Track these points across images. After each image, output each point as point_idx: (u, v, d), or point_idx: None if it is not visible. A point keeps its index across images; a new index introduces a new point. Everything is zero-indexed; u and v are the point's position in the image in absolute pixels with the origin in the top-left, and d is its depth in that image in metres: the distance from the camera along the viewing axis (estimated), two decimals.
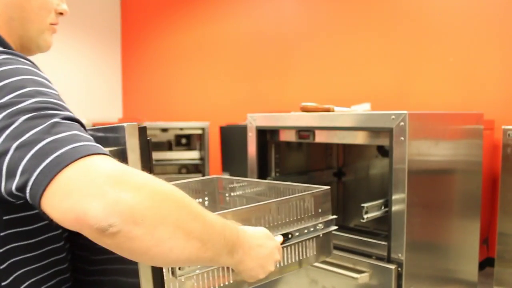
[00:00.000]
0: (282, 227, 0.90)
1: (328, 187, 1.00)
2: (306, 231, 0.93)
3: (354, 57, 3.37)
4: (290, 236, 0.90)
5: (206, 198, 1.24)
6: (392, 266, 1.26)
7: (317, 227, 0.96)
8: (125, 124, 0.68)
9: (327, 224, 0.98)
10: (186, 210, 0.60)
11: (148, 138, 0.71)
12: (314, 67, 3.63)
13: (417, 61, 3.04)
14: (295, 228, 0.92)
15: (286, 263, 0.90)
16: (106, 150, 0.63)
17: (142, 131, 0.70)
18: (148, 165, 0.70)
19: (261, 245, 0.75)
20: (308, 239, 0.94)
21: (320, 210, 0.98)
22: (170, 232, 0.57)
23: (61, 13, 0.95)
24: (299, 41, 3.74)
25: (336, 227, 0.99)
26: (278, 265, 0.86)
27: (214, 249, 0.63)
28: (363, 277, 1.28)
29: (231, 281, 0.81)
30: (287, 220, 0.91)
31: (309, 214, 0.96)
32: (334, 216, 0.99)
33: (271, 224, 0.88)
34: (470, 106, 2.76)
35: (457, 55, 2.85)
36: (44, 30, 0.94)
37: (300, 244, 0.93)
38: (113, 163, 0.59)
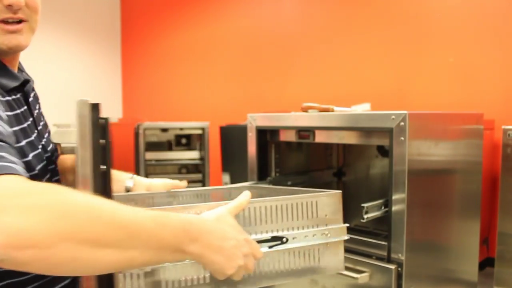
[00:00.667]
0: (279, 229, 0.84)
1: (339, 191, 0.95)
2: (306, 236, 0.86)
3: (354, 57, 3.37)
4: (284, 240, 0.83)
5: None
6: (392, 266, 1.26)
7: (323, 234, 0.88)
8: (79, 100, 0.68)
9: (335, 232, 0.91)
10: (93, 221, 0.57)
11: (104, 117, 0.69)
12: (314, 67, 3.63)
13: (417, 61, 3.04)
14: (292, 232, 0.85)
15: (280, 269, 0.84)
16: (20, 168, 0.62)
17: (95, 108, 0.68)
18: (98, 146, 0.68)
19: (224, 237, 0.71)
20: (310, 246, 0.87)
21: (326, 216, 0.90)
22: (73, 247, 0.55)
23: (10, 5, 0.83)
24: (299, 41, 3.74)
25: (347, 237, 0.92)
26: (270, 268, 0.83)
27: (146, 251, 0.62)
28: (363, 277, 1.28)
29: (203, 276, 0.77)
30: (286, 221, 0.85)
31: (314, 217, 0.88)
32: (346, 224, 0.92)
33: (264, 224, 0.83)
34: (470, 106, 2.76)
35: (457, 55, 2.85)
36: None
37: (297, 251, 0.86)
38: (14, 184, 0.57)
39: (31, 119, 0.90)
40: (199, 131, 3.97)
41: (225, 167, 3.49)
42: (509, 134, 1.87)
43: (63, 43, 5.27)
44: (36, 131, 0.90)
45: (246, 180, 1.64)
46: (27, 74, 1.00)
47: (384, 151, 1.93)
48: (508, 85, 2.65)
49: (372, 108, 2.71)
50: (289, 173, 1.80)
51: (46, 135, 0.96)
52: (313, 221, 0.88)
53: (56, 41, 5.22)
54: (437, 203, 1.44)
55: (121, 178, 1.11)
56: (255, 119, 1.66)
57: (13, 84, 0.86)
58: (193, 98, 4.64)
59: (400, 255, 1.26)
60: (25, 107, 0.90)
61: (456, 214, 1.56)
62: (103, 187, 0.70)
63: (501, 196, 1.90)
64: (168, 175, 3.80)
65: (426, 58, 3.00)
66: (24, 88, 0.92)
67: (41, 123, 0.96)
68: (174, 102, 4.88)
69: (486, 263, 2.48)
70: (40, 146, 0.88)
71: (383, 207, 1.36)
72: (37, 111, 0.97)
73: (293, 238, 0.85)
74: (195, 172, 4.04)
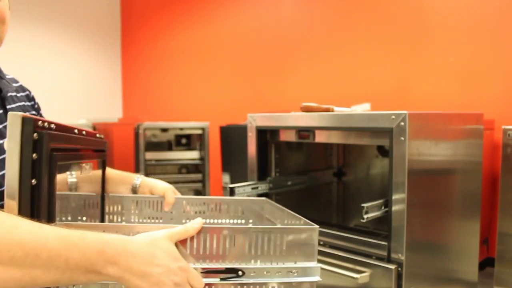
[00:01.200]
0: (238, 261, 0.76)
1: (317, 227, 0.81)
2: (268, 272, 0.77)
3: (354, 57, 3.37)
4: (240, 273, 0.76)
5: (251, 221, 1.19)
6: (392, 266, 1.26)
7: (289, 272, 0.78)
8: (10, 113, 0.68)
9: (304, 271, 0.79)
10: None
11: (40, 131, 0.68)
12: (314, 67, 3.63)
13: (417, 61, 3.04)
14: (252, 266, 0.77)
15: None
16: None
17: (27, 122, 0.67)
18: (29, 160, 0.68)
19: (151, 263, 0.66)
20: (270, 283, 0.77)
21: (296, 252, 0.79)
22: None
23: None
24: (299, 41, 3.74)
25: (319, 279, 0.80)
26: None
27: (50, 271, 0.61)
28: (363, 277, 1.28)
29: None
30: (247, 253, 0.77)
31: (281, 253, 0.78)
32: (319, 265, 0.81)
33: (219, 253, 0.75)
34: (470, 106, 2.76)
35: (457, 55, 2.85)
36: None
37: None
38: None
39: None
40: (199, 131, 3.97)
41: (225, 167, 3.49)
42: (509, 134, 1.87)
43: (63, 43, 5.27)
44: None
45: (246, 180, 1.63)
46: (7, 81, 1.01)
47: (384, 151, 1.93)
48: (508, 85, 2.65)
49: (372, 108, 2.71)
50: (289, 173, 1.80)
51: None
52: (279, 256, 0.78)
53: (56, 41, 5.22)
54: (437, 203, 1.44)
55: (128, 178, 1.16)
56: (255, 119, 1.66)
57: None
58: (193, 98, 4.64)
59: (400, 255, 1.26)
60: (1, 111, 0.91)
61: (456, 214, 1.56)
62: (35, 201, 0.69)
63: (501, 196, 1.89)
64: (168, 175, 3.80)
65: (426, 58, 2.99)
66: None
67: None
68: (174, 102, 4.88)
69: (486, 263, 2.48)
70: None
71: (383, 207, 1.36)
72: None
73: (252, 273, 0.76)
74: (195, 172, 4.04)
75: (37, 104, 1.10)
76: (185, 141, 4.09)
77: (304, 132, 1.59)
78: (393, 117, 1.26)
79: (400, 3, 3.15)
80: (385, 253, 1.30)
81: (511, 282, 1.87)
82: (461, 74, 2.84)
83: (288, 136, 1.67)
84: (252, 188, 1.57)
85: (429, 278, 1.42)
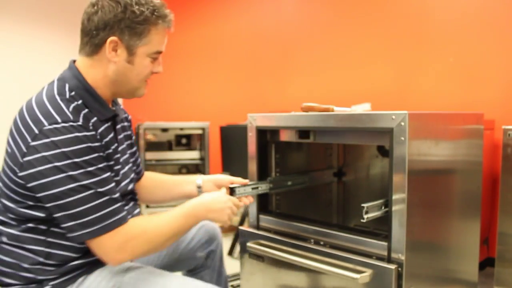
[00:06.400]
0: None
1: None
2: None
3: (354, 57, 3.37)
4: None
5: None
6: (392, 266, 1.26)
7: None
8: None
9: None
10: (164, 234, 1.19)
11: None
12: (314, 67, 3.63)
13: (417, 61, 3.04)
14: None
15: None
16: (124, 212, 1.16)
17: None
18: None
19: (212, 210, 1.27)
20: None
21: None
22: (159, 240, 1.18)
23: (156, 72, 1.27)
24: (299, 41, 3.74)
25: None
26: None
27: (185, 229, 1.24)
28: (363, 277, 1.28)
29: None
30: None
31: None
32: None
33: None
34: (470, 106, 2.76)
35: (457, 55, 2.85)
36: (140, 88, 1.24)
37: None
38: (126, 231, 1.16)
39: (116, 144, 1.24)
40: (199, 131, 3.97)
41: (225, 167, 3.49)
42: (509, 134, 1.87)
43: (63, 42, 5.27)
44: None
45: None
46: (121, 109, 1.38)
47: (384, 151, 1.93)
48: (508, 85, 2.65)
49: (372, 108, 2.71)
50: (289, 173, 1.80)
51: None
52: None
53: (55, 41, 5.22)
54: (437, 203, 1.44)
55: (190, 180, 1.54)
56: (255, 119, 1.66)
57: (105, 116, 1.20)
58: (193, 98, 4.64)
59: (400, 255, 1.26)
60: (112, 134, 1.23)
61: (456, 214, 1.56)
62: None
63: (501, 196, 1.90)
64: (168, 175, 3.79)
65: (426, 58, 3.00)
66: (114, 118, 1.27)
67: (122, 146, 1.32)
68: (174, 102, 4.88)
69: (486, 263, 2.48)
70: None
71: (383, 207, 1.36)
72: (121, 136, 1.32)
73: None
74: (195, 172, 4.04)
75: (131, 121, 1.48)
76: (185, 141, 4.09)
77: (304, 132, 1.59)
78: (393, 117, 1.26)
79: (400, 3, 3.16)
80: (385, 253, 1.30)
81: (511, 282, 1.87)
82: (461, 74, 2.84)
83: (288, 136, 1.67)
84: (252, 188, 1.58)
85: (429, 278, 1.42)
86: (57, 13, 5.28)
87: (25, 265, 1.11)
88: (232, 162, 3.42)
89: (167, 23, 1.21)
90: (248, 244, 1.58)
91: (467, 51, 2.81)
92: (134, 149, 1.42)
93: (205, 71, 4.53)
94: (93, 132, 1.09)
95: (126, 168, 1.29)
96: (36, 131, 1.04)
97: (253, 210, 1.68)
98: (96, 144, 1.09)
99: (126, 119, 1.42)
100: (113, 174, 1.16)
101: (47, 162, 1.01)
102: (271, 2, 4.00)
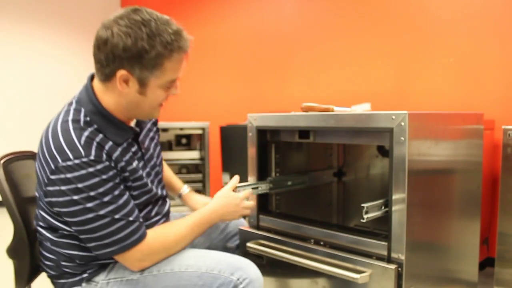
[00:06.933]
0: None
1: None
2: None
3: (354, 57, 3.37)
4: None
5: None
6: (392, 266, 1.26)
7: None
8: None
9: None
10: (182, 237, 1.26)
11: None
12: (314, 67, 3.63)
13: (417, 61, 3.04)
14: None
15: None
16: (143, 229, 1.21)
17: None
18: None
19: (225, 214, 1.38)
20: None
21: None
22: (176, 249, 1.25)
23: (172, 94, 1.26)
24: (299, 41, 3.74)
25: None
26: None
27: (200, 235, 1.33)
28: (363, 277, 1.28)
29: None
30: None
31: None
32: None
33: None
34: (470, 106, 2.76)
35: (457, 55, 2.85)
36: (154, 113, 1.24)
37: None
38: (148, 246, 1.23)
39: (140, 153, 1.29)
40: (199, 131, 3.97)
41: (225, 167, 3.49)
42: (509, 134, 1.87)
43: (63, 43, 5.27)
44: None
45: (246, 180, 1.64)
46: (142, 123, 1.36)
47: (384, 151, 1.93)
48: (508, 85, 2.65)
49: (372, 108, 2.71)
50: (289, 173, 1.80)
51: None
52: None
53: (55, 40, 5.22)
54: (437, 203, 1.44)
55: (176, 187, 1.65)
56: (255, 119, 1.66)
57: (123, 139, 1.22)
58: (193, 98, 4.64)
59: (400, 255, 1.26)
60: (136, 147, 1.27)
61: (456, 214, 1.56)
62: None
63: (501, 196, 1.89)
64: None
65: (426, 58, 3.00)
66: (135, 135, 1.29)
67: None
68: (174, 102, 4.86)
69: (486, 263, 2.48)
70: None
71: (383, 207, 1.36)
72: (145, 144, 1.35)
73: None
74: (195, 172, 4.04)
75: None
76: (185, 141, 4.09)
77: (304, 132, 1.59)
78: (393, 117, 1.26)
79: (400, 3, 3.16)
80: (385, 253, 1.30)
81: (511, 282, 1.87)
82: (461, 74, 2.84)
83: (288, 136, 1.67)
84: (253, 188, 1.58)
85: (429, 278, 1.42)
86: (57, 13, 5.28)
87: (64, 263, 1.22)
88: (232, 162, 3.42)
89: (184, 50, 1.16)
90: (248, 244, 1.58)
91: (467, 51, 2.81)
92: (158, 149, 1.43)
93: (205, 71, 4.53)
94: (106, 163, 1.11)
95: (153, 174, 1.33)
96: (53, 167, 1.09)
97: (253, 210, 1.68)
98: (110, 173, 1.12)
99: (152, 122, 1.44)
100: (137, 192, 1.22)
101: (65, 195, 1.08)
102: (271, 2, 3.99)
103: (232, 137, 3.41)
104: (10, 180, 1.29)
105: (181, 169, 4.06)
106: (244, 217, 1.58)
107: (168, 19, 1.17)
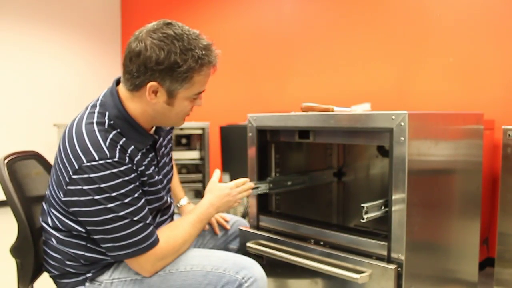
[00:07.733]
0: None
1: None
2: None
3: (354, 57, 3.37)
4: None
5: None
6: (392, 266, 1.26)
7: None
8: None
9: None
10: (188, 236, 1.28)
11: None
12: (314, 67, 3.63)
13: (417, 61, 3.04)
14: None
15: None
16: (155, 236, 1.22)
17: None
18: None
19: (220, 207, 1.40)
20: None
21: None
22: (184, 249, 1.27)
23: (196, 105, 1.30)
24: (299, 41, 3.74)
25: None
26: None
27: (203, 226, 1.36)
28: (363, 277, 1.28)
29: None
30: None
31: None
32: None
33: None
34: (470, 106, 2.76)
35: (457, 55, 2.85)
36: (178, 122, 1.29)
37: None
38: (157, 252, 1.24)
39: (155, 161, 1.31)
40: (199, 131, 3.97)
41: (225, 167, 3.49)
42: (509, 134, 1.87)
43: (63, 43, 5.27)
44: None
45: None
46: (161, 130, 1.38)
47: (384, 151, 1.93)
48: (508, 85, 2.65)
49: (372, 108, 2.71)
50: (289, 173, 1.80)
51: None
52: None
53: (56, 40, 5.22)
54: (437, 203, 1.44)
55: (178, 197, 1.65)
56: (255, 119, 1.66)
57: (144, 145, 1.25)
58: None
59: (400, 255, 1.26)
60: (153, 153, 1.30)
61: (456, 214, 1.56)
62: None
63: (501, 196, 1.89)
64: None
65: (426, 58, 3.00)
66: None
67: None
68: None
69: (486, 263, 2.48)
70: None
71: (383, 207, 1.36)
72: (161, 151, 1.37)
73: None
74: (195, 172, 4.04)
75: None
76: (185, 141, 4.09)
77: (304, 132, 1.59)
78: (393, 117, 1.26)
79: (400, 4, 3.16)
80: (385, 253, 1.30)
81: (511, 282, 1.87)
82: (461, 74, 2.84)
83: (288, 136, 1.67)
84: (252, 188, 1.58)
85: (429, 278, 1.42)
86: (57, 13, 5.28)
87: (68, 263, 1.23)
88: (232, 162, 3.42)
89: (213, 64, 1.25)
90: (248, 244, 1.58)
91: (467, 51, 2.81)
92: (170, 157, 1.47)
93: None
94: (128, 165, 1.14)
95: (165, 182, 1.37)
96: (76, 167, 1.11)
97: (253, 210, 1.68)
98: (132, 175, 1.15)
99: (168, 130, 1.47)
100: (150, 197, 1.25)
101: (86, 195, 1.10)
102: (271, 2, 4.00)
103: (232, 137, 3.41)
104: (14, 180, 1.30)
105: (181, 169, 4.06)
106: (244, 217, 1.58)
107: (198, 34, 1.22)
